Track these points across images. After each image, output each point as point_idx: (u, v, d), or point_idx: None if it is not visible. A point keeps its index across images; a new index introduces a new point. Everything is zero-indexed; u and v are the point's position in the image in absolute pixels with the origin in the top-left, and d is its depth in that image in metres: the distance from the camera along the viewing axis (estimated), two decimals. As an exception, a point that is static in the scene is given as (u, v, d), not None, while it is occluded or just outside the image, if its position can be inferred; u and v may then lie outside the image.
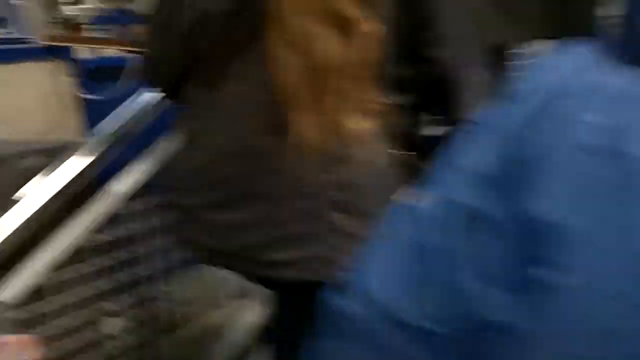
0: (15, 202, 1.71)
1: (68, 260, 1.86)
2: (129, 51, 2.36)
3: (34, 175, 1.81)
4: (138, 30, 2.97)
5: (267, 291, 1.51)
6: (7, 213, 1.69)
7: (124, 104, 1.95)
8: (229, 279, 2.16)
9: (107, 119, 1.92)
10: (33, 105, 2.43)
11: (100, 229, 1.93)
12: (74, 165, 1.83)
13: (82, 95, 2.50)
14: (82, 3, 3.10)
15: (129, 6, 3.02)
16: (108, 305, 2.01)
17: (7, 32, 3.59)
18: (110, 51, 2.59)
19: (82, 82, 2.52)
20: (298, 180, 1.22)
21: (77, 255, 1.88)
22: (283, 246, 1.27)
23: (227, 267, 1.38)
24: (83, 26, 2.98)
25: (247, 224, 1.28)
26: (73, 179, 1.81)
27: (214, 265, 1.45)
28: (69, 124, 2.47)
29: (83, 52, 2.54)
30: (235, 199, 1.27)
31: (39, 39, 2.75)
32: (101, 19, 2.98)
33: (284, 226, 1.26)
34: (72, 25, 3.00)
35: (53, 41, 2.66)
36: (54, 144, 2.14)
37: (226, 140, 1.27)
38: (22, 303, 1.75)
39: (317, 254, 1.27)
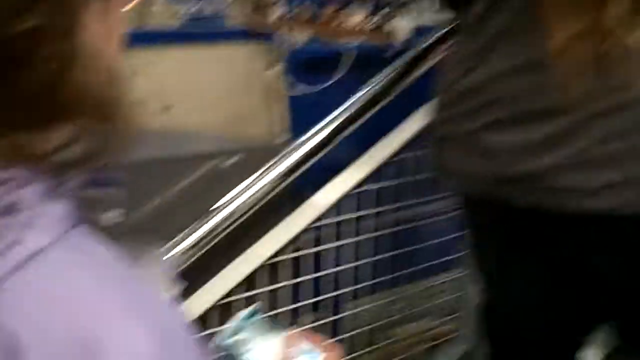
0: (211, 212, 1.58)
1: (260, 275, 1.72)
2: (340, 38, 2.13)
3: (230, 178, 1.66)
4: (331, 10, 2.79)
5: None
6: (202, 223, 1.56)
7: (337, 100, 1.76)
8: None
9: (316, 117, 1.74)
10: (228, 93, 2.23)
11: (295, 241, 1.76)
12: (275, 170, 1.65)
13: (287, 87, 2.27)
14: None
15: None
16: (295, 321, 1.86)
17: (200, 8, 3.48)
18: (309, 36, 2.36)
19: (287, 71, 2.29)
20: (587, 97, 1.12)
21: (271, 268, 1.74)
22: (580, 169, 1.15)
23: (508, 197, 1.24)
24: (275, 5, 2.79)
25: (534, 145, 1.18)
26: (273, 186, 1.64)
27: (490, 196, 1.27)
28: (269, 119, 2.27)
29: (290, 37, 2.31)
30: (520, 118, 1.19)
31: (236, 19, 2.56)
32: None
33: (580, 147, 1.15)
34: (263, 4, 2.83)
35: (251, 23, 2.45)
36: (252, 142, 1.96)
37: (507, 58, 1.20)
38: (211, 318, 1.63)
39: (622, 178, 1.14)
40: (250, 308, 0.95)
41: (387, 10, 2.47)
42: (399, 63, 1.77)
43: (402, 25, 2.35)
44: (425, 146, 1.89)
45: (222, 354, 0.96)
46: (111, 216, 0.52)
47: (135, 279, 0.47)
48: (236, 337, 0.95)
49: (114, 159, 0.46)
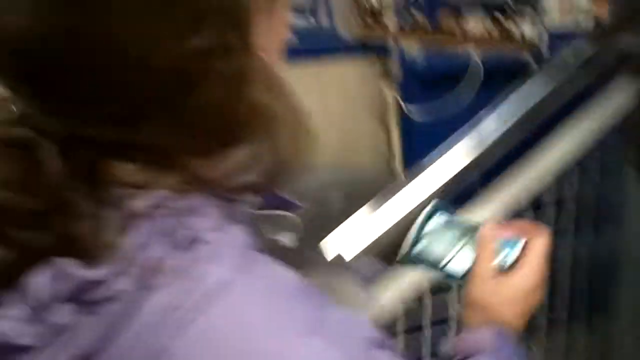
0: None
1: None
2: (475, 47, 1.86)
3: (335, 215, 1.46)
4: (448, 17, 2.54)
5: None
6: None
7: (461, 122, 1.49)
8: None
9: (437, 142, 1.48)
10: (336, 113, 2.02)
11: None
12: (389, 209, 1.42)
13: (405, 108, 2.01)
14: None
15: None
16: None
17: (308, 22, 3.29)
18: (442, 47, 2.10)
19: (403, 89, 2.04)
20: None
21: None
22: None
23: None
24: (386, 14, 2.57)
25: None
26: (388, 226, 1.39)
27: None
28: (382, 145, 2.03)
29: (406, 49, 2.06)
30: None
31: (348, 32, 2.32)
32: (410, 4, 2.53)
33: None
34: (375, 13, 2.61)
35: (366, 34, 2.19)
36: (362, 175, 1.74)
37: None
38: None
39: None
40: (429, 208, 0.85)
41: (514, 12, 2.18)
42: (551, 74, 1.47)
43: (534, 30, 2.05)
44: (580, 177, 1.62)
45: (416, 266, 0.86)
46: (287, 239, 0.52)
47: (322, 303, 0.45)
48: (424, 247, 0.84)
49: (289, 180, 0.45)
